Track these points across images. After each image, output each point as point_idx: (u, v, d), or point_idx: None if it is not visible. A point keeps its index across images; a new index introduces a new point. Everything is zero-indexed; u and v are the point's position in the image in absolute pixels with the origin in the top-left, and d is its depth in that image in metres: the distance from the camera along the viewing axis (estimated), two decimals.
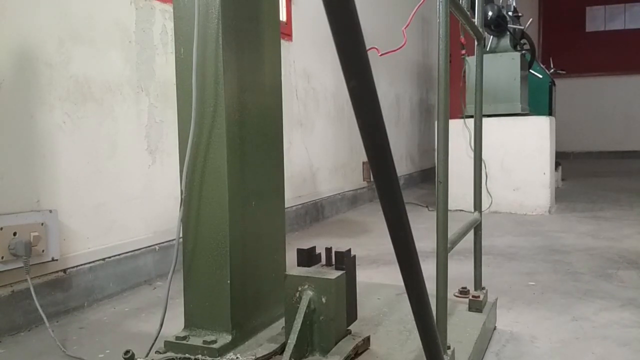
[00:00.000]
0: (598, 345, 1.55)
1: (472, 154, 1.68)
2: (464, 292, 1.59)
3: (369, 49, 0.68)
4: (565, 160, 7.43)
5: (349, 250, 1.16)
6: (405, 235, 0.78)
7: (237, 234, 1.20)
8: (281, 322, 1.19)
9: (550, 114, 5.16)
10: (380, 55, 1.44)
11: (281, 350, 1.11)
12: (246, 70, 1.23)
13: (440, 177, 1.07)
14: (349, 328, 1.16)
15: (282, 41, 3.30)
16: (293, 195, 3.47)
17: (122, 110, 2.14)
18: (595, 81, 11.20)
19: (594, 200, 4.60)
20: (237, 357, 1.12)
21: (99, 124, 2.04)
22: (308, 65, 3.76)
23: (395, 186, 0.74)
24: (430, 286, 0.94)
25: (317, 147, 3.89)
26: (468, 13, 1.34)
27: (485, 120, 1.79)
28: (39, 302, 1.64)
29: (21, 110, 1.76)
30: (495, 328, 1.68)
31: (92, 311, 1.92)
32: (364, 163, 4.69)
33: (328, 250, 1.18)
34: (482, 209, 1.62)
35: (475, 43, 1.59)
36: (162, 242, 2.34)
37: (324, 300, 1.07)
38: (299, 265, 1.17)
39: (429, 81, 7.02)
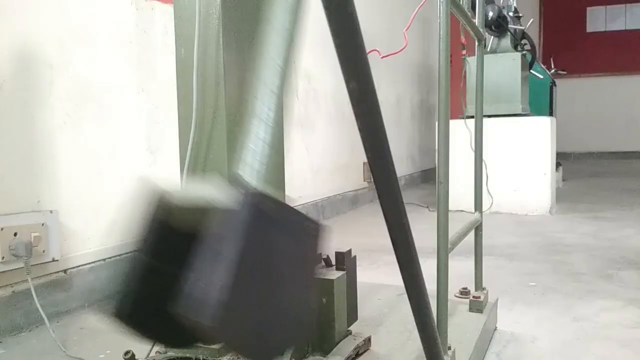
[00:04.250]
0: (599, 346, 1.55)
1: (472, 155, 1.68)
2: (464, 292, 1.59)
3: (370, 51, 0.69)
4: (566, 160, 7.42)
5: (350, 251, 1.16)
6: (405, 236, 0.78)
7: None
8: None
9: (551, 114, 5.15)
10: (382, 57, 1.44)
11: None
12: (247, 71, 1.23)
13: (440, 177, 1.07)
14: (349, 328, 1.16)
15: None
16: (294, 195, 3.47)
17: (122, 110, 2.14)
18: (596, 82, 11.19)
19: (595, 201, 4.60)
20: (237, 358, 1.12)
21: (99, 124, 2.04)
22: (308, 65, 3.76)
23: (395, 187, 0.74)
24: (431, 286, 0.94)
25: (317, 148, 3.89)
26: (469, 13, 1.34)
27: (485, 120, 1.79)
28: (39, 302, 1.64)
29: (22, 110, 1.76)
30: (496, 328, 1.68)
31: (93, 311, 1.92)
32: (364, 163, 4.69)
33: (328, 251, 1.18)
34: (483, 210, 1.62)
35: (476, 43, 1.59)
36: None
37: (324, 300, 1.07)
38: None
39: (429, 82, 7.01)
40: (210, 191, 0.59)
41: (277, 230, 0.57)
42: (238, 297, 0.51)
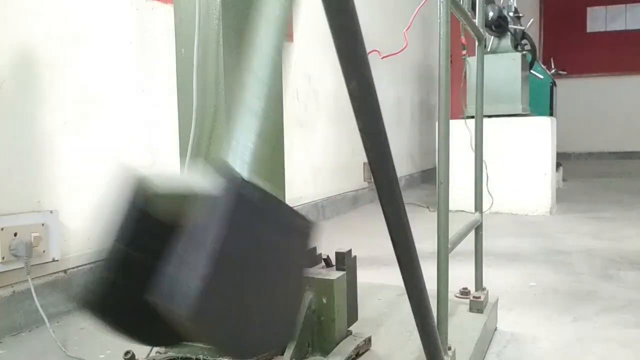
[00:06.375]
0: (599, 347, 1.55)
1: (472, 155, 1.68)
2: (464, 292, 1.59)
3: (370, 52, 0.68)
4: (566, 160, 7.42)
5: (350, 251, 1.16)
6: (405, 236, 0.78)
7: None
8: None
9: (551, 114, 5.15)
10: (382, 58, 1.45)
11: (282, 350, 1.11)
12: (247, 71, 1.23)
13: (441, 177, 1.07)
14: (349, 329, 1.16)
15: None
16: (294, 196, 3.47)
17: (122, 110, 2.14)
18: (596, 82, 11.19)
19: (595, 201, 4.60)
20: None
21: (99, 124, 2.04)
22: (309, 66, 3.76)
23: (395, 187, 0.74)
24: (431, 287, 0.94)
25: (317, 148, 3.89)
26: (469, 13, 1.34)
27: (486, 120, 1.79)
28: (39, 302, 1.64)
29: (22, 110, 1.76)
30: (496, 329, 1.68)
31: None
32: (364, 163, 4.69)
33: (328, 251, 1.18)
34: (483, 210, 1.62)
35: (476, 44, 1.59)
36: None
37: (324, 300, 1.07)
38: None
39: (429, 82, 7.01)
40: (193, 179, 0.56)
41: (263, 221, 0.53)
42: (217, 287, 0.47)
